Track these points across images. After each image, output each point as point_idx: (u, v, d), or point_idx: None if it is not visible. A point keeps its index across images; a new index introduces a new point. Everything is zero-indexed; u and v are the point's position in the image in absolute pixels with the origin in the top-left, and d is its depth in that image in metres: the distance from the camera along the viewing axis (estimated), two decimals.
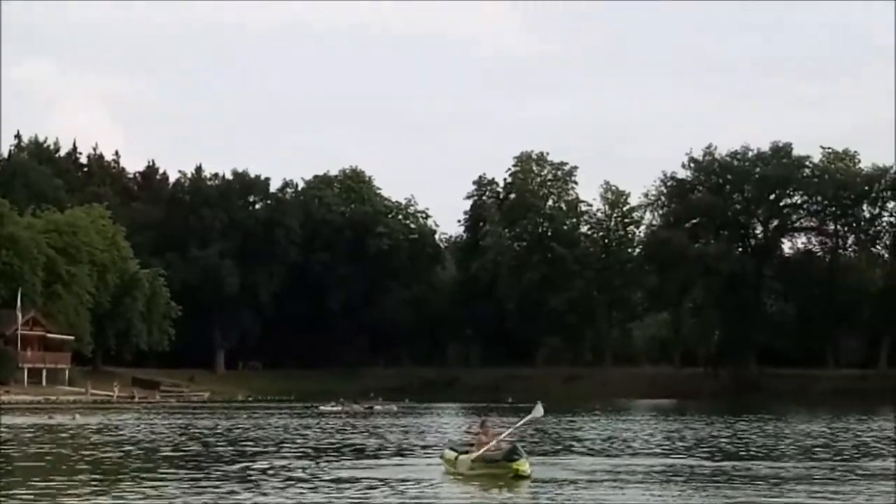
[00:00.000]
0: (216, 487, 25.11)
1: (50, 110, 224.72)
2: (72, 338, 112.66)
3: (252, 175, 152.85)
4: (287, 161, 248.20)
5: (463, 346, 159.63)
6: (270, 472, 29.17)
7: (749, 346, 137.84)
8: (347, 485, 25.80)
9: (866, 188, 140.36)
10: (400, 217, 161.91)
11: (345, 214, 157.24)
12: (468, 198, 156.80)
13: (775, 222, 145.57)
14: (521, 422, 31.68)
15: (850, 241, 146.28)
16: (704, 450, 38.24)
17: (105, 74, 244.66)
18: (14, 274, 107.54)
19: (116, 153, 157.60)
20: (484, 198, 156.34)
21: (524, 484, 25.80)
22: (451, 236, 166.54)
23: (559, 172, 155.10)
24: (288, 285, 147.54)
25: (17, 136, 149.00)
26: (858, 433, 49.03)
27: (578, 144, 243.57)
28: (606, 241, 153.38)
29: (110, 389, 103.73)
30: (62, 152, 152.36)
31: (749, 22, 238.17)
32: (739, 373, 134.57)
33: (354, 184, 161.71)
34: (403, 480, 26.53)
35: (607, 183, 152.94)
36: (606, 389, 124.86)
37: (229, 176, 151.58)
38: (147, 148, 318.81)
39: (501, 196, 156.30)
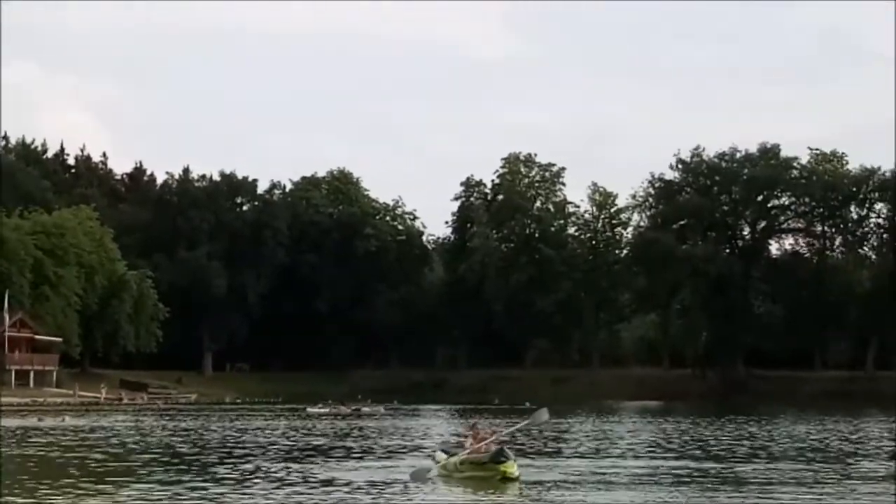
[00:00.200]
0: (202, 489, 25.11)
1: (37, 112, 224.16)
2: (59, 340, 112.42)
3: (240, 176, 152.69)
4: (274, 162, 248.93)
5: (451, 348, 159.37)
6: (257, 473, 29.18)
7: (737, 347, 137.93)
8: (333, 487, 25.83)
9: (854, 189, 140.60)
10: (388, 218, 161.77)
11: (332, 216, 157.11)
12: (456, 199, 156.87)
13: (763, 224, 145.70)
14: (523, 423, 31.69)
15: (837, 243, 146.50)
16: (691, 451, 38.30)
17: (92, 76, 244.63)
18: (1, 276, 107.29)
19: (104, 155, 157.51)
20: (471, 199, 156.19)
21: (512, 486, 25.82)
22: (438, 238, 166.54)
23: (547, 174, 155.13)
24: (275, 287, 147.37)
25: (5, 137, 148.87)
26: (845, 435, 49.15)
27: (566, 146, 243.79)
28: (594, 242, 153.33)
29: (98, 391, 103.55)
30: (49, 154, 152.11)
31: (736, 24, 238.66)
32: (727, 374, 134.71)
33: (342, 185, 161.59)
34: (390, 483, 26.52)
35: (595, 184, 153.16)
36: (595, 391, 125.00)
37: (217, 177, 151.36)
38: (134, 149, 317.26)
39: (489, 197, 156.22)
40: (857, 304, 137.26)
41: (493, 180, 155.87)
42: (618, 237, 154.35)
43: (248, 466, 31.43)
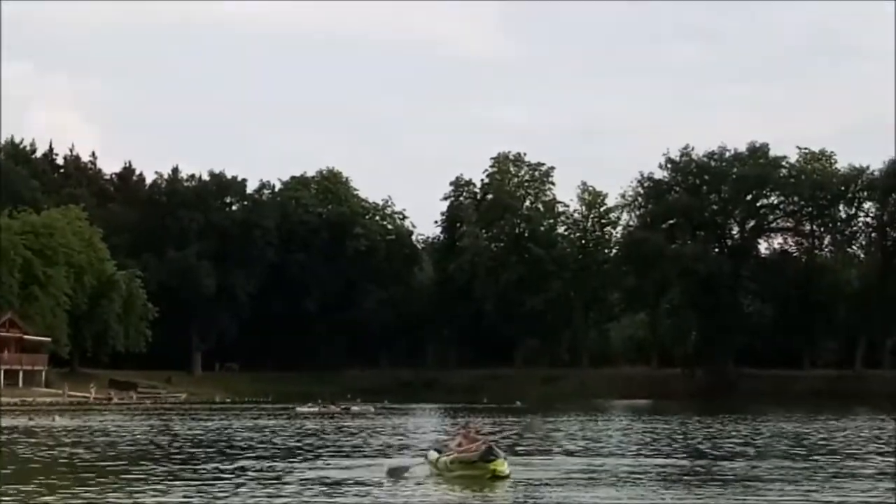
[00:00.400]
0: (191, 488, 25.15)
1: (26, 111, 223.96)
2: (49, 340, 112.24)
3: (229, 176, 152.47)
4: (264, 162, 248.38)
5: (441, 347, 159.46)
6: (245, 472, 29.21)
7: (726, 346, 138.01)
8: (321, 486, 25.86)
9: (843, 189, 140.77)
10: (377, 218, 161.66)
11: (322, 215, 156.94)
12: (445, 199, 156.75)
13: (752, 223, 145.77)
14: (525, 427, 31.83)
15: (826, 242, 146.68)
16: (680, 450, 38.40)
17: (81, 75, 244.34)
18: None
19: (93, 154, 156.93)
20: (461, 199, 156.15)
21: (502, 484, 25.88)
22: (428, 237, 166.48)
23: (536, 173, 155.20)
24: (265, 287, 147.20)
25: None
26: (834, 433, 49.27)
27: (555, 145, 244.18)
28: (583, 241, 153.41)
29: (87, 391, 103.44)
30: (38, 153, 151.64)
31: (725, 23, 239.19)
32: (716, 373, 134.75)
33: (331, 185, 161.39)
34: (378, 483, 26.58)
35: (584, 184, 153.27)
36: (584, 390, 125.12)
37: (206, 177, 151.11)
38: (124, 149, 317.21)
39: (478, 197, 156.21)
40: (846, 303, 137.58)
41: (482, 180, 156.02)
42: (607, 236, 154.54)
43: (236, 465, 31.46)
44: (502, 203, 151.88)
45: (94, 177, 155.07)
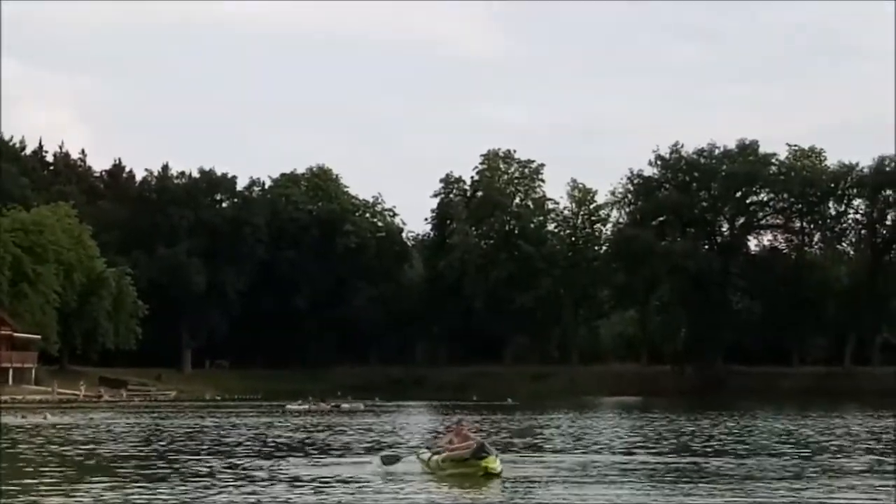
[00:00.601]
0: (181, 485, 25.17)
1: (15, 108, 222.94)
2: (38, 337, 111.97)
3: (219, 173, 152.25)
4: (254, 159, 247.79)
5: (431, 345, 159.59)
6: (234, 470, 29.24)
7: (715, 343, 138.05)
8: (311, 483, 25.88)
9: (832, 186, 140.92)
10: (367, 215, 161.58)
11: (312, 212, 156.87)
12: (435, 196, 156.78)
13: (741, 220, 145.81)
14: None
15: (815, 239, 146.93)
16: (670, 446, 38.49)
17: (71, 73, 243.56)
18: None
19: (83, 152, 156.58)
20: (451, 196, 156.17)
21: (494, 482, 25.92)
22: (418, 234, 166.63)
23: (526, 170, 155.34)
24: (255, 284, 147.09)
25: None
26: (823, 430, 49.38)
27: (545, 142, 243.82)
28: (573, 238, 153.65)
29: (77, 389, 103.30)
30: (28, 151, 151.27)
31: (714, 22, 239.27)
32: (706, 370, 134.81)
33: (321, 182, 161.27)
34: (367, 481, 26.60)
35: (574, 181, 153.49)
36: (574, 387, 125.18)
37: (196, 174, 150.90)
38: (113, 146, 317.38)
39: (468, 194, 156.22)
40: (836, 299, 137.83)
41: (472, 177, 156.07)
42: (597, 234, 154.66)
43: (225, 462, 31.48)
44: (492, 200, 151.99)
45: (83, 174, 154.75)
